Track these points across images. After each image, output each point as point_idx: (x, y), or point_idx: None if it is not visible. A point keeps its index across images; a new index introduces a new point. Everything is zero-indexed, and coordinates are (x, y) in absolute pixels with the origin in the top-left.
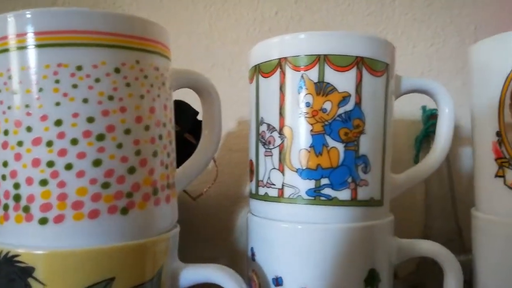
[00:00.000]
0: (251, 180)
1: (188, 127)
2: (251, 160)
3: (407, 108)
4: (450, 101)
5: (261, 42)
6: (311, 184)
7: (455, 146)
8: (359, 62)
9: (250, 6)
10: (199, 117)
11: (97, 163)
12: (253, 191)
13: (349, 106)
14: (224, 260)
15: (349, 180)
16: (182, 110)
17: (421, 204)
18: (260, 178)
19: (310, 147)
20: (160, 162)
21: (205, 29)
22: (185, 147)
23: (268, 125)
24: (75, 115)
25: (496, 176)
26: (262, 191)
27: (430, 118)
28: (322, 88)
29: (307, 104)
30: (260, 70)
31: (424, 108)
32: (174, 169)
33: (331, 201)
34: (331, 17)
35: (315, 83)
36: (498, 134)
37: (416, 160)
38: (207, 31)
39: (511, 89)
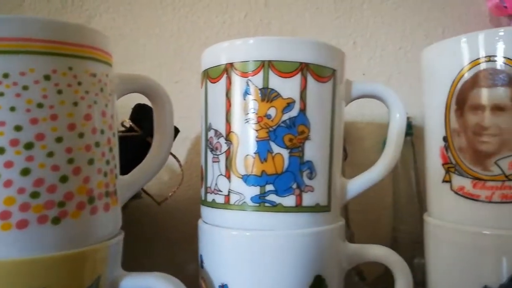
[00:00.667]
0: (201, 187)
1: (150, 131)
2: (201, 166)
3: (376, 111)
4: (401, 106)
5: (210, 47)
6: (256, 190)
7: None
8: (304, 68)
9: (219, 9)
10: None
11: (25, 172)
12: (202, 198)
13: (294, 112)
14: (194, 264)
15: (294, 186)
16: (145, 114)
17: (390, 206)
18: (208, 184)
19: (255, 153)
20: (97, 170)
21: (173, 32)
22: (148, 150)
23: (216, 131)
24: (2, 123)
25: (444, 181)
26: (210, 197)
27: None
28: (266, 94)
29: (252, 110)
30: (209, 75)
31: None
32: (116, 176)
33: (275, 208)
34: (300, 21)
35: (259, 89)
36: (445, 139)
37: None
38: (176, 34)
39: (456, 94)
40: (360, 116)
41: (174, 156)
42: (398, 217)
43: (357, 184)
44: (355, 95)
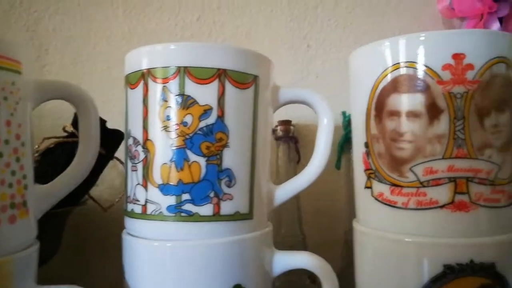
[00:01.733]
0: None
1: None
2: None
3: None
4: (328, 111)
5: (130, 52)
6: (172, 200)
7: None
8: (222, 75)
9: (172, 12)
10: (108, 125)
11: None
12: (124, 207)
13: (211, 119)
14: None
15: (211, 194)
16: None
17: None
18: (128, 193)
19: (171, 161)
20: (1, 181)
21: (124, 34)
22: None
23: (134, 138)
24: None
25: (366, 187)
26: (130, 207)
27: (350, 123)
28: (182, 101)
29: (168, 118)
30: (128, 81)
31: (344, 113)
32: (25, 187)
33: (192, 217)
34: (253, 23)
35: (175, 96)
36: (366, 145)
37: (338, 166)
38: (127, 37)
39: (375, 100)
40: (314, 118)
41: (120, 161)
42: (351, 220)
43: (286, 190)
44: (282, 101)
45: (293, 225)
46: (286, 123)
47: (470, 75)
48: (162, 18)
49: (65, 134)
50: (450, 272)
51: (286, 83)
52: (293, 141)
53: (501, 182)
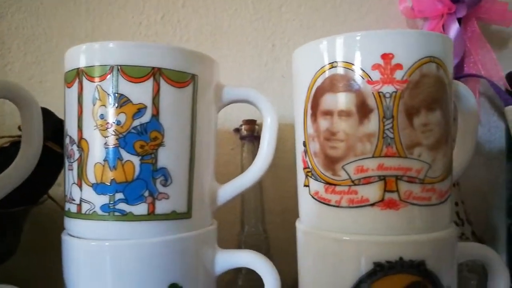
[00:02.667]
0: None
1: (50, 135)
2: None
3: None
4: (272, 110)
5: (68, 50)
6: (105, 199)
7: None
8: (156, 73)
9: (135, 10)
10: None
11: None
12: (64, 207)
13: (145, 118)
14: None
15: (146, 194)
16: (44, 118)
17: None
18: (66, 193)
19: (104, 160)
20: None
21: (87, 33)
22: (48, 155)
23: (70, 137)
24: None
25: (304, 185)
26: (67, 206)
27: None
28: (115, 100)
29: (101, 116)
30: (65, 80)
31: None
32: None
33: (125, 216)
34: (218, 22)
35: (108, 95)
36: (304, 144)
37: None
38: (90, 35)
39: (311, 99)
40: (281, 117)
41: None
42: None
43: (229, 189)
44: (226, 100)
45: (256, 224)
46: (251, 122)
47: (398, 75)
48: (126, 16)
49: (20, 133)
50: (380, 269)
51: (251, 83)
52: (258, 141)
53: (431, 180)
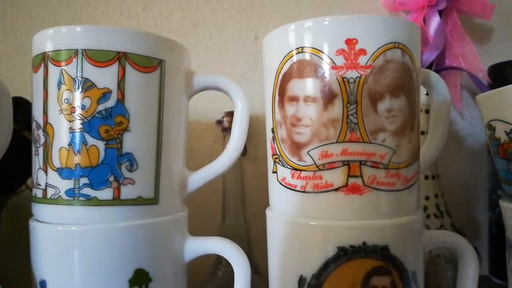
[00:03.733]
0: None
1: (27, 124)
2: None
3: None
4: (242, 97)
5: (35, 34)
6: (70, 184)
7: None
8: (122, 58)
9: (117, 1)
10: None
11: None
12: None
13: (110, 102)
14: None
15: (111, 179)
16: (20, 107)
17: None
18: (33, 178)
19: (69, 145)
20: None
21: (68, 23)
22: (24, 145)
23: (36, 122)
24: None
25: (273, 172)
26: (34, 192)
27: None
28: (80, 84)
29: (66, 101)
30: (33, 65)
31: None
32: None
33: (90, 201)
34: (200, 14)
35: (73, 79)
36: (272, 131)
37: None
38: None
39: (278, 85)
40: (262, 110)
41: None
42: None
43: (200, 176)
44: (197, 88)
45: (237, 216)
46: (232, 114)
47: (362, 60)
48: (107, 7)
49: None
50: (343, 254)
51: (234, 75)
52: None
53: (396, 166)
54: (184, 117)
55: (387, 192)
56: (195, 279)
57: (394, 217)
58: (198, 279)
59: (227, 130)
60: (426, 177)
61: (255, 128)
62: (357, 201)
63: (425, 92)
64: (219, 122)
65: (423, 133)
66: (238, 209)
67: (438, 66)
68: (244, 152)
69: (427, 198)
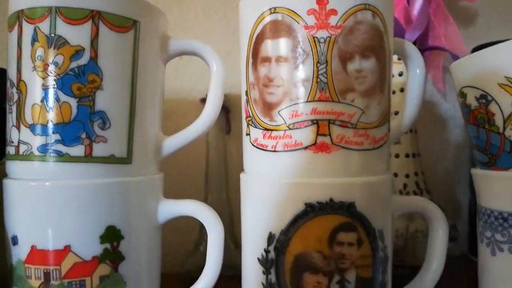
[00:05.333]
0: None
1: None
2: None
3: None
4: (217, 59)
5: None
6: (42, 140)
7: None
8: (95, 16)
9: None
10: None
11: None
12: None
13: (83, 60)
14: None
15: (83, 136)
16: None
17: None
18: (7, 136)
19: (41, 101)
20: None
21: None
22: (4, 118)
23: (10, 80)
24: None
25: (246, 134)
26: (7, 150)
27: None
28: (53, 41)
29: (39, 58)
30: (8, 25)
31: None
32: None
33: (62, 157)
34: None
35: (46, 36)
36: (246, 93)
37: None
38: None
39: (252, 47)
40: None
41: None
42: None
43: (174, 141)
44: (172, 52)
45: (220, 192)
46: None
47: (333, 20)
48: None
49: None
50: (311, 210)
51: (219, 53)
52: (225, 111)
53: (364, 126)
54: (160, 82)
55: (355, 151)
56: (178, 256)
57: (361, 175)
58: (180, 257)
59: None
60: (407, 155)
61: (238, 107)
62: (326, 159)
63: (399, 73)
64: (204, 100)
65: (397, 113)
66: (221, 186)
67: (421, 46)
68: (228, 130)
69: (407, 176)
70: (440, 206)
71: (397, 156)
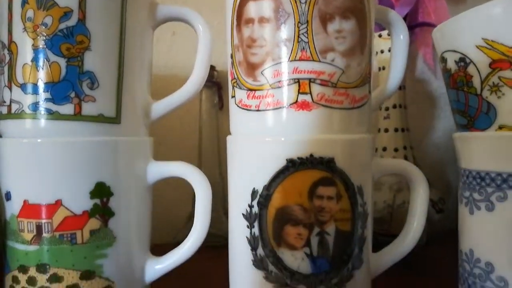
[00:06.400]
0: None
1: None
2: None
3: None
4: (204, 24)
5: None
6: (33, 98)
7: None
8: None
9: None
10: None
11: None
12: None
13: (72, 21)
14: None
15: (72, 95)
16: None
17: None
18: None
19: (31, 61)
20: None
21: None
22: None
23: (2, 42)
24: None
25: (232, 97)
26: (0, 110)
27: None
28: (42, 3)
29: (29, 19)
30: None
31: None
32: None
33: (52, 115)
34: None
35: None
36: (231, 56)
37: None
38: None
39: (236, 10)
40: None
41: None
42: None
43: (162, 105)
44: (160, 18)
45: (213, 168)
46: (210, 68)
47: None
48: None
49: None
50: (292, 165)
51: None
52: (217, 87)
53: (344, 85)
54: (149, 46)
55: (335, 109)
56: (172, 231)
57: (340, 132)
58: (174, 231)
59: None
60: (396, 130)
61: None
62: (306, 116)
63: (389, 49)
64: None
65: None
66: (214, 162)
67: (410, 22)
68: (221, 106)
69: (396, 149)
70: (429, 181)
71: (386, 130)
